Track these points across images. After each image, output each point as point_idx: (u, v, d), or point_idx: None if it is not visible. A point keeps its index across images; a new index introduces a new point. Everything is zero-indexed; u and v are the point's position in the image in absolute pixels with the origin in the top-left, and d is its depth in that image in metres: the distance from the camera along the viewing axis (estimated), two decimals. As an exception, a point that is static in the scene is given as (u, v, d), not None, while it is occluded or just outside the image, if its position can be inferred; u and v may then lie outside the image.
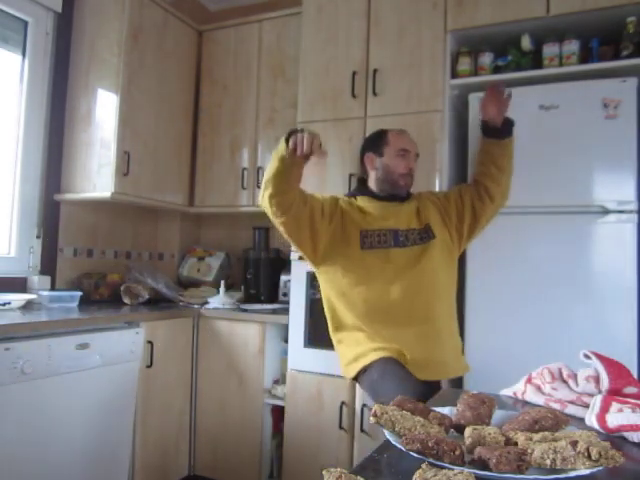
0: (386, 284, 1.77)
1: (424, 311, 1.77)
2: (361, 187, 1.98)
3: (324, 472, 0.64)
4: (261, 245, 2.81)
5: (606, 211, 1.82)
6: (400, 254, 1.80)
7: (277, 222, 1.79)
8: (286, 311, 2.32)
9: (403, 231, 1.83)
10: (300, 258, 2.25)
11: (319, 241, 1.82)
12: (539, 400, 1.10)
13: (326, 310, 1.91)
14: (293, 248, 2.04)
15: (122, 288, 2.52)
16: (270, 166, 1.73)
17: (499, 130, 1.85)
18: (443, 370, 1.78)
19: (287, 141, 1.63)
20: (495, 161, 1.86)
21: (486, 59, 2.10)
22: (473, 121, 2.04)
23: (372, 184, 1.94)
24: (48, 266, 2.48)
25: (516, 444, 0.76)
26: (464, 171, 2.07)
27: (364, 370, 1.75)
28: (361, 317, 1.79)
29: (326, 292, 1.91)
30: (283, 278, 2.63)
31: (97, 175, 2.44)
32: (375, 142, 1.93)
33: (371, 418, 0.83)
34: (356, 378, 1.82)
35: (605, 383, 1.03)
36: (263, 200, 1.78)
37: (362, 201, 1.90)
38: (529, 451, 0.71)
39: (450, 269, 1.90)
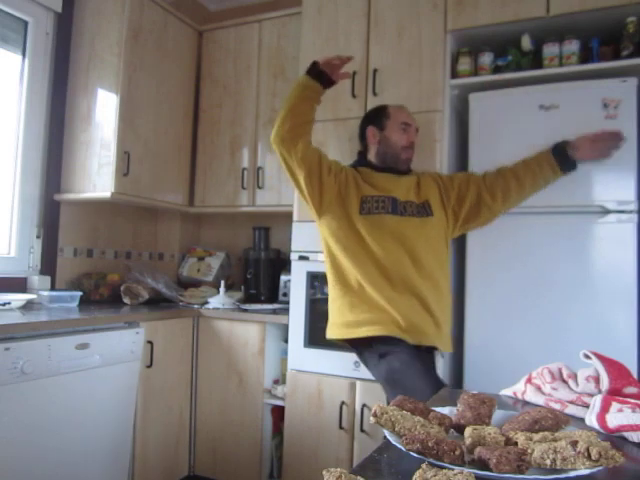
0: (383, 249, 1.78)
1: (421, 281, 1.77)
2: (362, 160, 2.00)
3: (324, 472, 0.64)
4: (261, 245, 2.81)
5: (606, 211, 1.82)
6: (397, 221, 1.80)
7: (294, 160, 1.83)
8: (286, 311, 2.32)
9: (402, 202, 1.84)
10: (300, 257, 2.25)
11: (325, 193, 1.86)
12: (539, 400, 1.10)
13: (328, 265, 1.90)
14: (298, 196, 2.06)
15: (122, 288, 2.53)
16: (289, 99, 1.86)
17: (567, 161, 1.82)
18: (435, 337, 1.76)
19: (309, 73, 1.84)
20: (536, 177, 1.83)
21: (486, 59, 2.10)
22: (473, 121, 2.05)
23: (372, 157, 1.96)
24: (48, 266, 2.48)
25: (516, 444, 0.76)
26: (464, 171, 2.07)
27: (360, 343, 1.77)
28: (362, 275, 1.79)
29: (328, 246, 1.90)
30: (283, 278, 2.64)
31: (97, 175, 2.44)
32: (376, 116, 1.97)
33: (371, 418, 0.82)
34: (352, 342, 1.82)
35: (605, 383, 1.03)
36: (280, 135, 1.83)
37: (364, 171, 1.92)
38: (529, 451, 0.71)
39: (445, 249, 1.89)
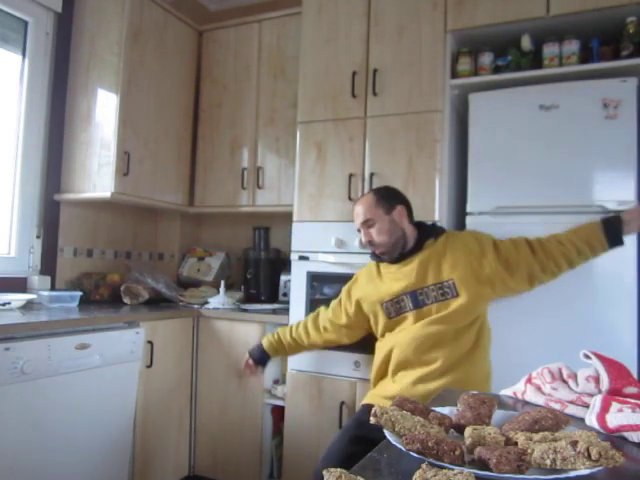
0: (406, 342, 1.73)
1: (432, 360, 1.70)
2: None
3: (324, 472, 0.64)
4: (261, 245, 2.81)
5: (606, 211, 1.82)
6: (420, 314, 1.73)
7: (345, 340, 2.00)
8: (286, 311, 2.32)
9: (422, 289, 1.73)
10: (300, 257, 2.26)
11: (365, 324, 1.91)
12: (539, 400, 1.10)
13: None
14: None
15: (122, 288, 2.52)
16: None
17: (617, 238, 1.71)
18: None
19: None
20: (587, 259, 1.73)
21: (486, 59, 2.10)
22: (473, 121, 2.05)
23: None
24: (48, 266, 2.48)
25: (516, 444, 0.76)
26: (464, 171, 2.07)
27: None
28: (384, 367, 1.81)
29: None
30: (283, 278, 2.63)
31: (97, 175, 2.44)
32: None
33: (371, 418, 0.82)
34: None
35: (605, 383, 1.03)
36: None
37: (383, 267, 1.85)
38: (529, 451, 0.71)
39: (474, 319, 1.73)
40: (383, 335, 1.84)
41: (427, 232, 1.81)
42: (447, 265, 1.72)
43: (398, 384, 1.73)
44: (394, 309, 1.78)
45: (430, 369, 1.68)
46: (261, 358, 2.08)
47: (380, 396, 1.75)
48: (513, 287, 1.74)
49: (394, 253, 1.78)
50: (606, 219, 1.72)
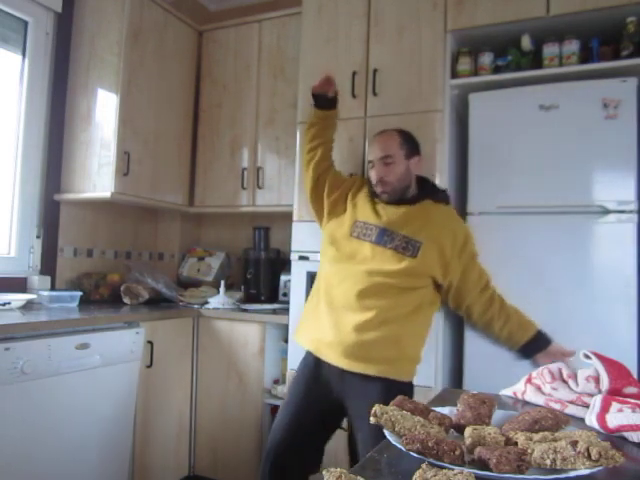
0: (349, 274, 1.72)
1: (357, 305, 1.69)
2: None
3: (324, 472, 0.64)
4: (261, 245, 2.81)
5: (606, 211, 1.82)
6: (375, 252, 1.70)
7: (308, 170, 1.96)
8: (286, 311, 2.32)
9: (393, 233, 1.71)
10: (300, 257, 2.25)
11: (325, 209, 1.89)
12: (539, 400, 1.10)
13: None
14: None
15: (122, 288, 2.52)
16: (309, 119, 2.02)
17: (530, 352, 1.71)
18: (369, 365, 1.64)
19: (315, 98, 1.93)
20: (497, 340, 1.75)
21: (486, 59, 2.10)
22: (473, 121, 2.05)
23: None
24: (48, 266, 2.48)
25: (516, 444, 0.76)
26: (464, 171, 2.07)
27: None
28: (320, 295, 1.78)
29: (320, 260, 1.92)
30: (283, 278, 2.63)
31: (97, 175, 2.44)
32: None
33: (371, 418, 0.83)
34: None
35: (605, 383, 1.03)
36: (303, 157, 2.02)
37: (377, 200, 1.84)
38: (529, 451, 0.71)
39: (417, 287, 1.70)
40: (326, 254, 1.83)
41: (428, 192, 1.81)
42: (427, 230, 1.71)
43: (339, 330, 1.68)
44: (359, 232, 1.75)
45: (367, 317, 1.66)
46: (333, 97, 1.94)
47: (322, 342, 1.71)
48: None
49: (393, 197, 1.77)
50: (542, 334, 1.70)
